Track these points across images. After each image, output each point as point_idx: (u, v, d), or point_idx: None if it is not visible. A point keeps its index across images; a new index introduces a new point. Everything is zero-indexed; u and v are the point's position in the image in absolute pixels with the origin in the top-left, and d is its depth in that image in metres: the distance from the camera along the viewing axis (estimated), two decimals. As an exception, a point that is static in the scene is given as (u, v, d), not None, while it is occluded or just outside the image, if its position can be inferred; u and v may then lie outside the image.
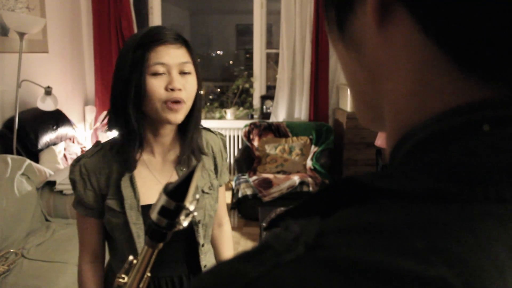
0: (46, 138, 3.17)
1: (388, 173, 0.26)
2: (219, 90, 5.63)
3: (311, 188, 3.54)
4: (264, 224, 2.70)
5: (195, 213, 0.66)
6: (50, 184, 2.72)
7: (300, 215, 0.26)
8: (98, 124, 4.25)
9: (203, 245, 1.15)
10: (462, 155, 0.25)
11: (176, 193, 0.64)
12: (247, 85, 4.62)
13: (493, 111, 0.25)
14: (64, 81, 3.95)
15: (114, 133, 1.14)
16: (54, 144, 3.29)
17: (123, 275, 0.74)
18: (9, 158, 2.59)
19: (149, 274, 0.72)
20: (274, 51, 4.53)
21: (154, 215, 0.66)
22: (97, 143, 1.16)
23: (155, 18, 4.48)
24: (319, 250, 0.22)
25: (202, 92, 1.15)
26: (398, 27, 0.27)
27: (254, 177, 3.72)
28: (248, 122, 4.30)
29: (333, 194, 0.27)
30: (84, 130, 4.32)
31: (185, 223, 0.67)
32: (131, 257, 0.75)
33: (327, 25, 0.34)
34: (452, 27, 0.25)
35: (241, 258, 0.24)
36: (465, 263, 0.21)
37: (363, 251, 0.21)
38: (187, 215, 0.66)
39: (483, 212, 0.23)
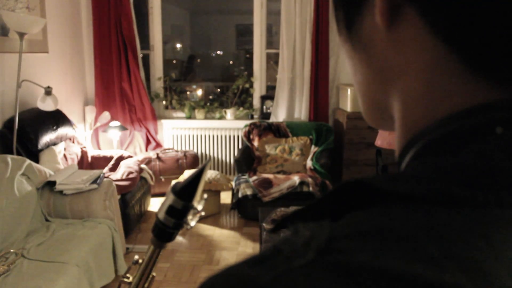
0: (46, 138, 3.17)
1: (398, 176, 0.26)
2: (219, 90, 5.63)
3: (311, 188, 3.53)
4: (264, 225, 2.70)
5: (203, 213, 0.66)
6: (50, 184, 2.72)
7: (308, 218, 0.26)
8: (98, 124, 4.25)
9: None
10: (475, 158, 0.24)
11: (184, 192, 0.64)
12: (247, 85, 4.62)
13: (504, 112, 0.25)
14: (64, 81, 3.95)
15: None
16: (54, 144, 3.29)
17: (128, 275, 0.74)
18: (9, 158, 2.59)
19: (154, 274, 0.72)
20: (274, 51, 4.53)
21: (161, 215, 0.66)
22: None
23: (155, 18, 4.48)
24: (330, 255, 0.22)
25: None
26: (407, 28, 0.27)
27: (254, 177, 3.72)
28: (248, 122, 4.30)
29: (342, 196, 0.26)
30: (84, 130, 4.33)
31: (192, 223, 0.66)
32: (136, 257, 0.75)
33: (336, 26, 0.34)
34: (462, 28, 0.25)
35: (251, 262, 0.23)
36: (479, 269, 0.21)
37: (376, 256, 0.21)
38: (194, 215, 0.66)
39: (497, 218, 0.23)
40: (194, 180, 0.64)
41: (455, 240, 0.22)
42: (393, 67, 0.30)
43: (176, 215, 0.65)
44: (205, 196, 0.70)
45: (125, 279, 0.74)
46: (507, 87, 0.26)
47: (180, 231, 0.67)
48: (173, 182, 3.82)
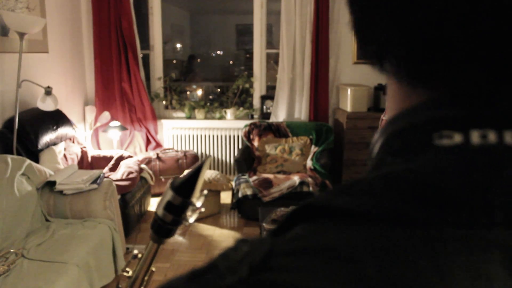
0: (46, 138, 3.17)
1: (349, 189, 0.25)
2: (219, 90, 5.63)
3: (311, 188, 3.53)
4: (264, 225, 2.70)
5: (203, 209, 0.66)
6: (50, 184, 2.72)
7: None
8: (98, 124, 4.25)
9: None
10: (428, 171, 0.23)
11: (183, 188, 0.63)
12: (247, 85, 4.61)
13: (453, 110, 0.25)
14: (64, 81, 3.95)
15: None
16: (54, 144, 3.29)
17: (127, 269, 0.74)
18: (9, 158, 2.59)
19: (153, 269, 0.72)
20: (274, 51, 4.53)
21: (160, 211, 0.65)
22: None
23: (155, 18, 4.48)
24: (263, 273, 0.21)
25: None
26: None
27: (254, 177, 3.72)
28: (248, 122, 4.30)
29: (295, 216, 0.26)
30: (84, 130, 4.32)
31: (191, 220, 0.66)
32: (135, 251, 0.75)
33: None
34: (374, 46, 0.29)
35: (189, 276, 0.24)
36: None
37: (310, 277, 0.20)
38: (193, 211, 0.65)
39: (450, 237, 0.22)
40: (193, 177, 0.63)
41: (398, 261, 0.21)
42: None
43: (175, 211, 0.64)
44: (205, 192, 0.69)
45: (125, 273, 0.74)
46: (432, 88, 0.27)
47: (179, 227, 0.66)
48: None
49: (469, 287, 0.20)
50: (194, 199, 0.64)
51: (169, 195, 0.64)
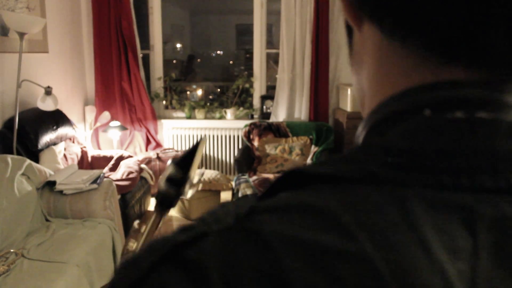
0: (46, 138, 3.17)
1: (329, 160, 0.27)
2: (219, 90, 5.63)
3: (311, 188, 3.54)
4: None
5: (200, 186, 0.72)
6: (50, 184, 2.72)
7: None
8: (98, 124, 4.25)
9: None
10: (400, 139, 0.26)
11: (182, 164, 0.72)
12: (247, 85, 4.61)
13: (433, 94, 0.26)
14: (64, 81, 3.95)
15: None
16: (54, 144, 3.29)
17: (130, 243, 0.80)
18: (9, 158, 2.59)
19: None
20: (274, 51, 4.53)
21: (162, 184, 0.73)
22: None
23: (155, 18, 4.48)
24: (247, 222, 0.24)
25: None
26: (367, 28, 0.32)
27: (254, 177, 3.72)
28: (248, 122, 4.30)
29: (278, 183, 0.28)
30: (84, 130, 4.33)
31: (188, 195, 0.74)
32: (136, 225, 0.81)
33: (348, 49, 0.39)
34: (399, 20, 0.28)
35: (178, 229, 0.26)
36: (387, 238, 0.22)
37: (289, 226, 0.23)
38: (191, 187, 0.73)
39: (416, 196, 0.23)
40: (190, 154, 0.72)
41: (368, 210, 0.23)
42: (362, 59, 0.34)
43: (175, 184, 0.72)
44: (203, 171, 0.76)
45: (130, 244, 0.80)
46: (460, 68, 0.27)
47: (179, 199, 0.74)
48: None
49: (436, 240, 0.22)
50: (192, 174, 0.72)
51: (170, 169, 0.73)
